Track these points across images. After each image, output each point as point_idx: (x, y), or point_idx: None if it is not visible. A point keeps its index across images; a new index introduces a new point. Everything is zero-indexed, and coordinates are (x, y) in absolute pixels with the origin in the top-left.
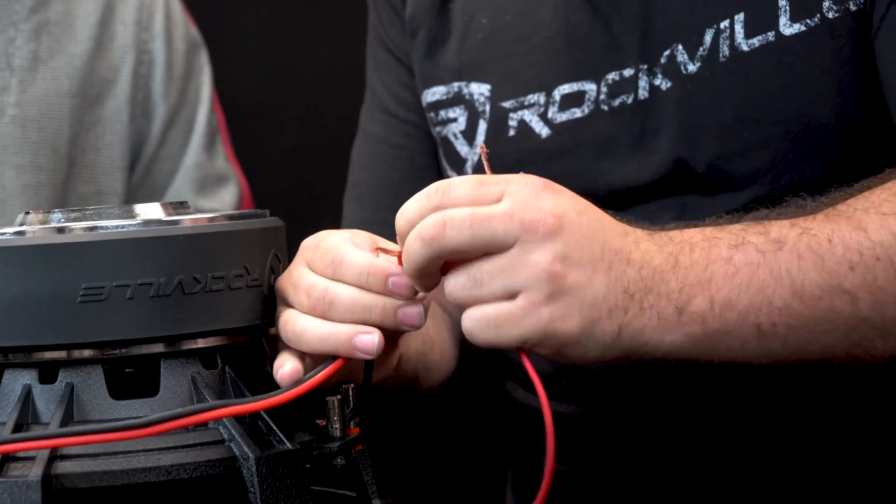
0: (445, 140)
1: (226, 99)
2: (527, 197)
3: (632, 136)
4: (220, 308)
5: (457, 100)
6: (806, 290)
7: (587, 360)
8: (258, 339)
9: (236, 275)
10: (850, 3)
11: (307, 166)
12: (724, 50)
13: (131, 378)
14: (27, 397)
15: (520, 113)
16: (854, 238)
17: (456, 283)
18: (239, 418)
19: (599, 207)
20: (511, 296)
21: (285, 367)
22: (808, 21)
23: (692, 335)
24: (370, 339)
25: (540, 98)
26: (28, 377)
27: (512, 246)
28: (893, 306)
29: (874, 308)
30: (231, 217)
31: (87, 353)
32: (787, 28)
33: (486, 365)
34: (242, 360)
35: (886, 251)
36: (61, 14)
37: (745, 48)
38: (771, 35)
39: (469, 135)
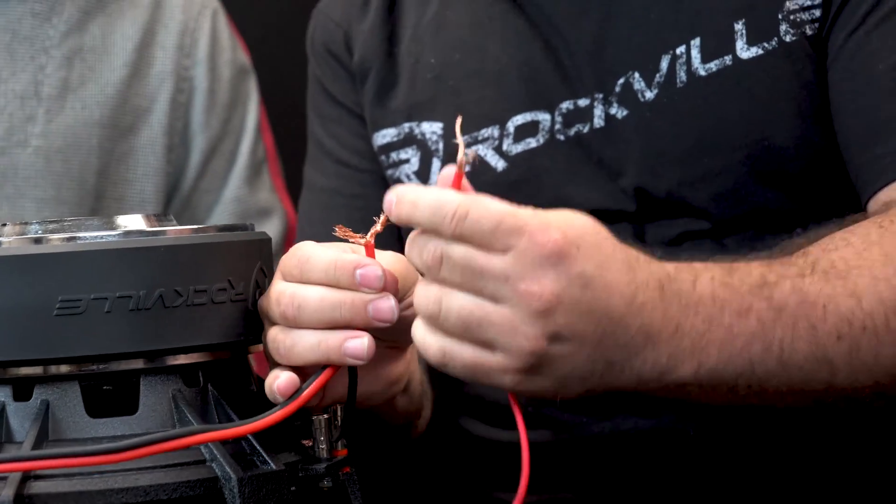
0: (398, 182)
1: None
2: (531, 263)
3: (590, 165)
4: (203, 323)
5: (408, 140)
6: (792, 361)
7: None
8: (242, 357)
9: (219, 288)
10: (807, 27)
11: None
12: (682, 76)
13: (109, 395)
14: (0, 415)
15: (474, 148)
16: (846, 305)
17: (447, 315)
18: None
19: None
20: (491, 348)
21: (280, 378)
22: (766, 44)
23: (667, 391)
24: (360, 343)
25: (493, 131)
26: (2, 394)
27: (503, 303)
28: (867, 374)
29: (850, 376)
30: (215, 229)
31: (63, 368)
32: (745, 52)
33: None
34: (226, 378)
35: (874, 321)
36: (98, 38)
37: (703, 73)
38: (728, 59)
39: (423, 174)
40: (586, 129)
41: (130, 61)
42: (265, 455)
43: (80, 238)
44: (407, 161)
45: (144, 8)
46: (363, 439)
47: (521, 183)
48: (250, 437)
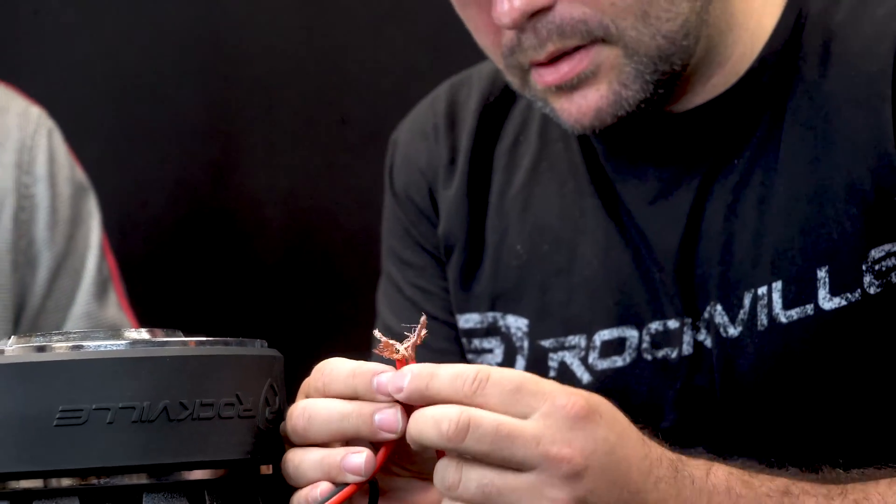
0: None
1: None
2: (560, 425)
3: (674, 392)
4: (209, 438)
5: (492, 331)
6: None
7: None
8: (250, 477)
9: (227, 403)
10: (893, 275)
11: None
12: (763, 319)
13: None
14: None
15: (560, 354)
16: None
17: (466, 486)
18: None
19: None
20: None
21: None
22: (849, 295)
23: None
24: (359, 458)
25: (581, 341)
26: None
27: (530, 470)
28: None
29: None
30: (224, 343)
31: (64, 482)
32: (827, 302)
33: None
34: (232, 498)
35: None
36: None
37: (784, 320)
38: (810, 308)
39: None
40: (674, 355)
41: None
42: None
43: (84, 347)
44: (490, 351)
45: None
46: None
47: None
48: None
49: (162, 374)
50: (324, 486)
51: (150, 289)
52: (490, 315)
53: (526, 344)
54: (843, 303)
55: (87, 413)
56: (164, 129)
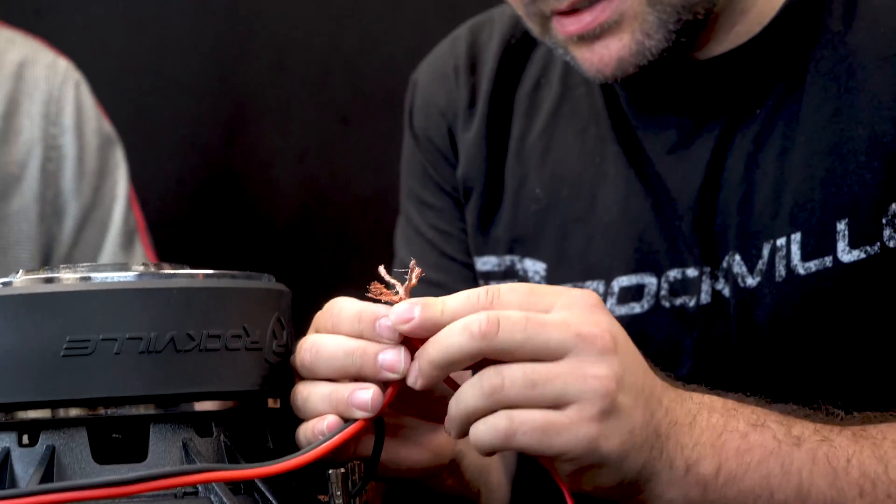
0: None
1: None
2: (582, 310)
3: (691, 340)
4: (216, 369)
5: (510, 274)
6: (811, 497)
7: (596, 487)
8: (257, 409)
9: (234, 335)
10: None
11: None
12: (781, 270)
13: (118, 444)
14: (4, 461)
15: None
16: (872, 467)
17: (512, 380)
18: (233, 488)
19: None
20: (561, 405)
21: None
22: (868, 248)
23: (689, 499)
24: (366, 395)
25: (599, 286)
26: (7, 440)
27: (564, 356)
28: None
29: None
30: (231, 276)
31: (71, 412)
32: (846, 254)
33: None
34: (240, 430)
35: None
36: None
37: (802, 271)
38: (829, 261)
39: None
40: (692, 303)
41: None
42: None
43: (92, 278)
44: None
45: (6, 78)
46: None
47: None
48: (263, 489)
49: (169, 305)
50: (331, 419)
51: (162, 250)
52: (508, 258)
53: None
54: (862, 255)
55: (95, 343)
56: (175, 91)
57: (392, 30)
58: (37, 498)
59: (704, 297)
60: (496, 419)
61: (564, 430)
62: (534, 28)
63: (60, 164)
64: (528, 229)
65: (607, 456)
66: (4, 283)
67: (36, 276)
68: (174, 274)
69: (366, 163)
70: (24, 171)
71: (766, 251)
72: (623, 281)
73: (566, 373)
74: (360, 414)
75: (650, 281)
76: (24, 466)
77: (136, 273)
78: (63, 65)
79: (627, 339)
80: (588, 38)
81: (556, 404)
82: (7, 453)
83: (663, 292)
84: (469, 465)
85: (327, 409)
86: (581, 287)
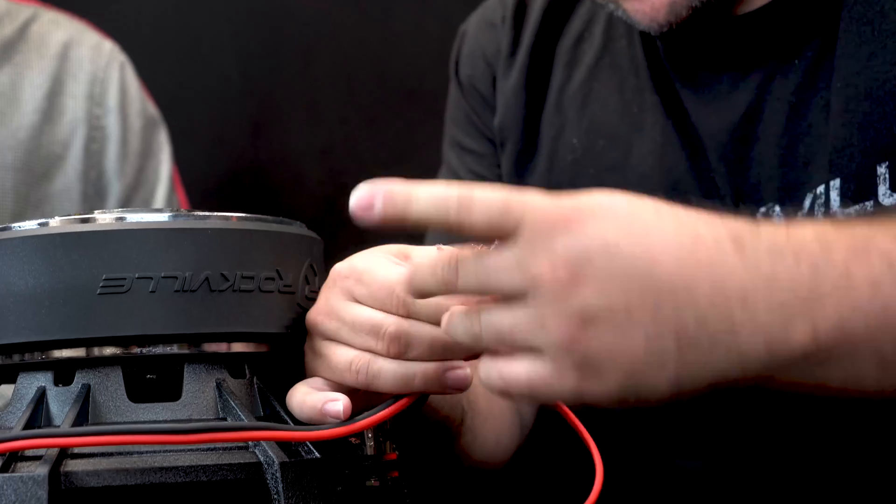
0: None
1: None
2: (539, 240)
3: None
4: (249, 310)
5: None
6: None
7: (653, 402)
8: (289, 353)
9: (267, 277)
10: None
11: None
12: (820, 217)
13: (152, 384)
14: (40, 399)
15: None
16: None
17: (487, 328)
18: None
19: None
20: (538, 354)
21: (338, 403)
22: None
23: (792, 381)
24: (465, 374)
25: None
26: (43, 379)
27: (523, 300)
28: None
29: None
30: (265, 220)
31: (106, 351)
32: (887, 198)
33: None
34: (271, 374)
35: None
36: (7, 86)
37: (841, 217)
38: (869, 205)
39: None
40: None
41: (41, 108)
42: (310, 445)
43: (127, 219)
44: None
45: (51, 59)
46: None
47: None
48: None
49: (203, 246)
50: (346, 402)
51: None
52: None
53: None
54: None
55: (131, 282)
56: (201, 86)
57: (418, 27)
58: (76, 440)
59: None
60: (489, 366)
61: (546, 383)
62: None
63: (104, 144)
64: (564, 178)
65: (607, 396)
66: (41, 224)
67: (71, 217)
68: (208, 216)
69: (390, 158)
70: (68, 151)
71: (807, 202)
72: None
73: (524, 323)
74: (452, 392)
75: None
76: (60, 405)
77: (170, 214)
78: (108, 46)
79: (616, 244)
80: None
81: (534, 354)
82: (43, 392)
83: None
84: (489, 430)
85: (410, 389)
86: None
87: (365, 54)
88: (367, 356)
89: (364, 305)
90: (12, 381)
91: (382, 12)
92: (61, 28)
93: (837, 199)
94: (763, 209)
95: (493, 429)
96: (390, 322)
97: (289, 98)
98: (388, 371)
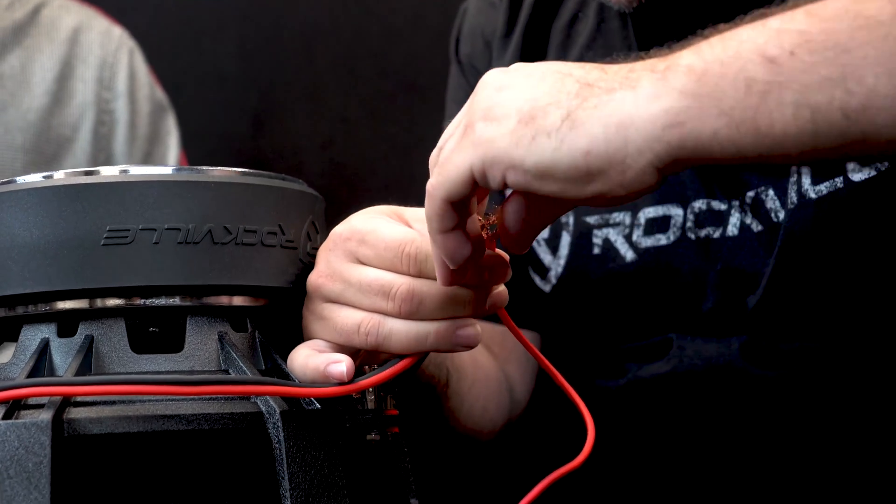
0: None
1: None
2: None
3: (715, 274)
4: (252, 263)
5: None
6: (829, 7)
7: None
8: (289, 309)
9: (269, 232)
10: None
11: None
12: (793, 197)
13: (155, 337)
14: (44, 350)
15: (604, 231)
16: None
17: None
18: (267, 375)
19: None
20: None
21: (341, 365)
22: (878, 164)
23: (684, 91)
24: (474, 332)
25: (625, 218)
26: (46, 331)
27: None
28: None
29: None
30: (268, 175)
31: (109, 302)
32: (856, 173)
33: None
34: (273, 328)
35: None
36: (17, 68)
37: (813, 195)
38: (839, 181)
39: (552, 244)
40: (717, 235)
41: (51, 91)
42: (311, 398)
43: (130, 171)
44: None
45: (61, 43)
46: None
47: (648, 277)
48: (297, 381)
49: (206, 198)
50: (349, 364)
51: None
52: None
53: (571, 220)
54: (873, 173)
55: (134, 233)
56: (203, 79)
57: (418, 19)
58: (79, 388)
59: (731, 230)
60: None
61: (460, 147)
62: None
63: (113, 127)
64: None
65: (507, 139)
66: (45, 177)
67: (76, 171)
68: (211, 169)
69: (391, 150)
70: (77, 134)
71: (789, 184)
72: (649, 212)
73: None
74: (465, 349)
75: (676, 212)
76: (63, 356)
77: (173, 168)
78: (117, 32)
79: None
80: None
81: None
82: (46, 343)
83: (689, 224)
84: (471, 388)
85: (421, 348)
86: (608, 218)
87: (366, 47)
88: (377, 317)
89: (370, 266)
90: (14, 337)
91: (383, 4)
92: (71, 13)
93: (808, 177)
94: (755, 191)
95: (479, 395)
96: (401, 282)
97: (290, 91)
98: (399, 331)
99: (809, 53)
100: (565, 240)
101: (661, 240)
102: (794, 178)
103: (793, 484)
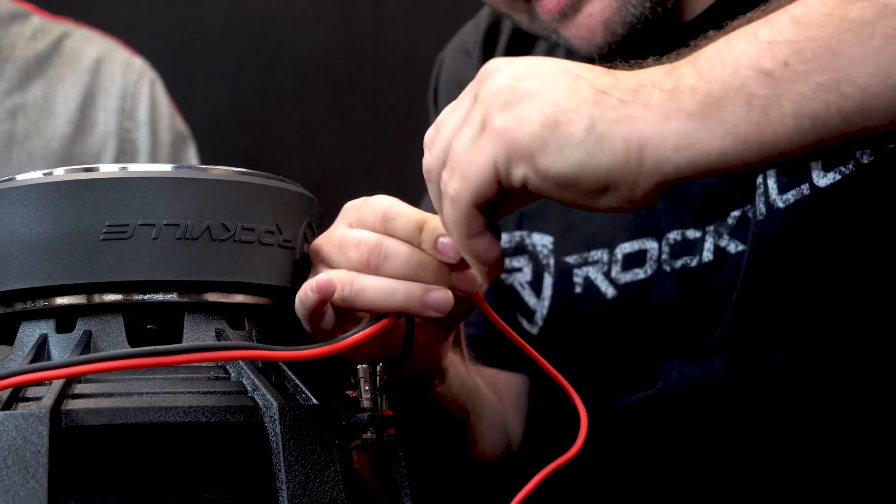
0: (512, 289)
1: None
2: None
3: (693, 300)
4: (249, 261)
5: (520, 249)
6: (813, 14)
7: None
8: (286, 308)
9: (267, 230)
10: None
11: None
12: (761, 207)
13: (153, 334)
14: (42, 345)
15: (584, 269)
16: None
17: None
18: (264, 373)
19: None
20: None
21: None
22: (842, 169)
23: (692, 114)
24: (444, 296)
25: (603, 255)
26: (45, 327)
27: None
28: None
29: None
30: (266, 175)
31: (107, 298)
32: (821, 178)
33: None
34: (270, 326)
35: None
36: (40, 97)
37: (781, 205)
38: (805, 188)
39: (536, 286)
40: (694, 263)
41: (73, 119)
42: (308, 393)
43: (130, 168)
44: (520, 270)
45: (84, 73)
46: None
47: (631, 311)
48: (294, 378)
49: (205, 195)
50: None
51: None
52: (517, 234)
53: (552, 261)
54: (838, 177)
55: (133, 228)
56: (194, 119)
57: (413, 59)
58: (73, 368)
59: (707, 255)
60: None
61: (480, 144)
62: (521, 20)
63: (134, 157)
64: (535, 204)
65: (531, 137)
66: (45, 173)
67: (76, 167)
68: (210, 168)
69: (384, 188)
70: (99, 162)
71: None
72: (625, 248)
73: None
74: (432, 314)
75: (651, 245)
76: (61, 351)
77: (173, 165)
78: (138, 63)
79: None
80: (569, 12)
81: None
82: (45, 339)
83: (664, 256)
84: (453, 377)
85: (391, 306)
86: (587, 257)
87: (358, 87)
88: (351, 274)
89: (354, 228)
90: (11, 341)
91: (375, 44)
92: (94, 44)
93: (775, 186)
94: (737, 213)
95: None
96: (371, 236)
97: (282, 130)
98: (370, 286)
99: (802, 63)
100: (548, 281)
101: (640, 274)
102: (760, 190)
103: (780, 493)
